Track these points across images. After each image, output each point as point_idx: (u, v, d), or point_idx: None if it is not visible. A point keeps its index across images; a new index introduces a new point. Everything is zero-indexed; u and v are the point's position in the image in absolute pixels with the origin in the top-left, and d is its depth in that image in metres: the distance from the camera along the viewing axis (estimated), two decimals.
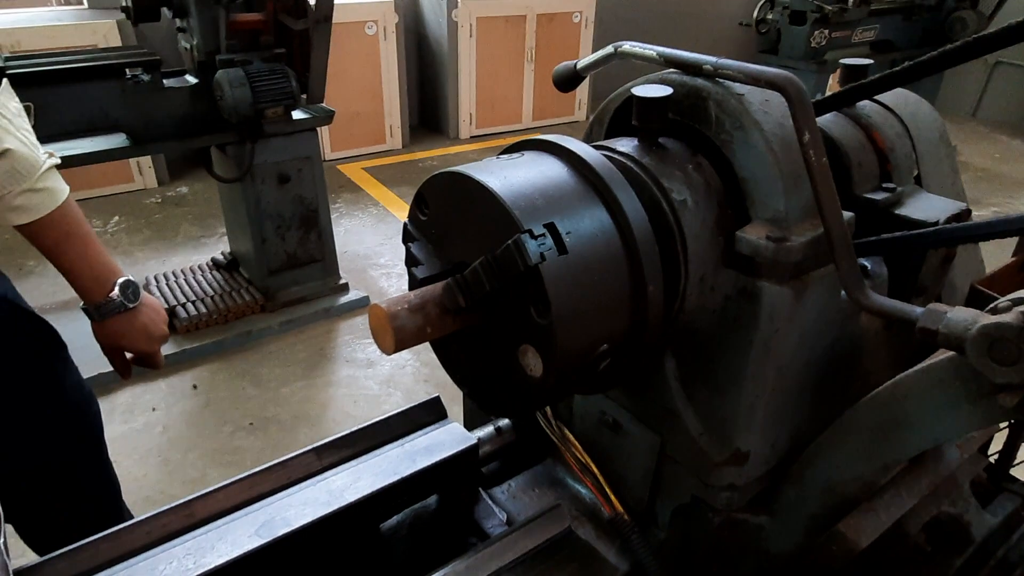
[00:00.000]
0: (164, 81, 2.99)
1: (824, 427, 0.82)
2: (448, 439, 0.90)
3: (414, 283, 0.70)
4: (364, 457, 0.86)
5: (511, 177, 0.63)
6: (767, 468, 0.84)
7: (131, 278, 1.29)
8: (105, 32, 4.35)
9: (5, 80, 1.12)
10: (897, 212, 0.85)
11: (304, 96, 3.17)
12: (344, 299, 3.61)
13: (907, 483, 0.91)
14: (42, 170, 1.11)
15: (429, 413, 0.93)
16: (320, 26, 2.97)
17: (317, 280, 3.59)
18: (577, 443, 0.97)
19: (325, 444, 0.86)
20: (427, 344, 2.79)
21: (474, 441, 0.89)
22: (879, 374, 0.92)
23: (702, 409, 0.80)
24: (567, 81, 0.92)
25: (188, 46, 3.06)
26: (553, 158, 0.68)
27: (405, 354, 3.29)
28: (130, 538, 0.74)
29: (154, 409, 2.91)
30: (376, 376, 3.15)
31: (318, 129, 3.35)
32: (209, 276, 3.62)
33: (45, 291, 3.61)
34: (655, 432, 0.86)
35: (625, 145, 0.74)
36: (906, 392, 0.69)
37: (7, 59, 2.71)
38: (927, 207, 0.85)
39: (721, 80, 0.72)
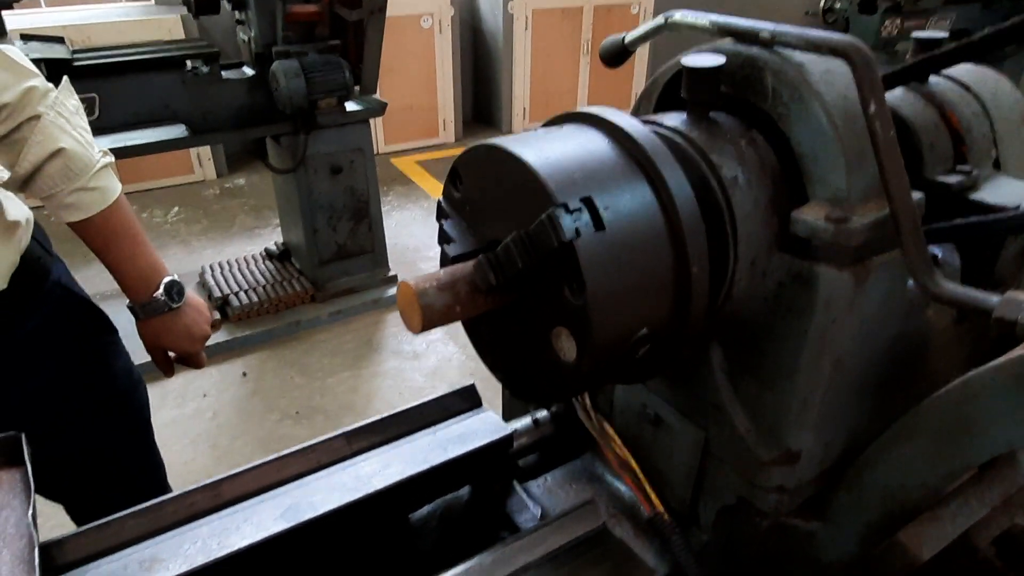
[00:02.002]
0: (222, 73, 3.05)
1: (884, 429, 0.76)
2: (482, 428, 0.87)
3: (445, 261, 0.67)
4: (395, 444, 0.84)
5: (548, 149, 0.59)
6: (820, 470, 0.78)
7: (176, 278, 1.30)
8: (170, 26, 4.47)
9: (65, 78, 1.14)
10: (972, 197, 0.78)
11: (357, 87, 3.19)
12: (392, 291, 3.62)
13: (976, 492, 0.83)
14: (95, 169, 1.12)
15: (464, 401, 0.90)
16: (374, 17, 2.98)
17: (366, 271, 3.62)
18: (617, 438, 0.92)
19: (355, 429, 0.84)
20: None
21: (508, 431, 0.86)
22: (947, 373, 0.85)
23: (750, 404, 0.75)
24: (615, 56, 0.88)
25: (246, 38, 3.11)
26: (595, 131, 0.64)
27: (451, 347, 3.28)
28: (156, 516, 0.73)
29: (205, 395, 2.97)
30: (422, 368, 3.15)
31: (371, 121, 3.37)
32: (262, 266, 3.68)
33: (107, 278, 3.73)
34: (699, 428, 0.81)
35: (673, 119, 0.69)
36: (977, 391, 0.63)
37: (75, 52, 2.79)
38: (1006, 191, 0.78)
39: (779, 49, 0.67)
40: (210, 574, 0.68)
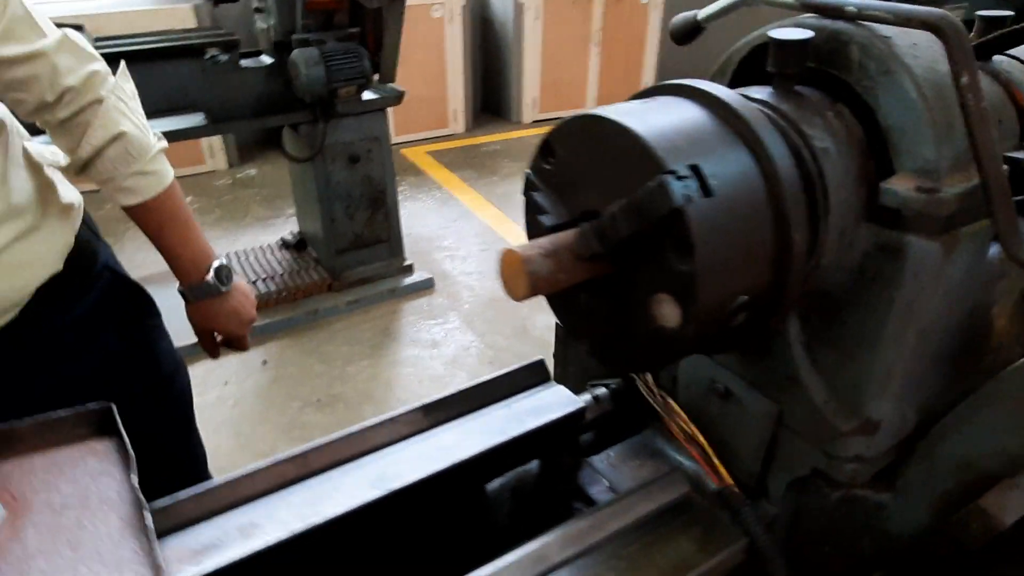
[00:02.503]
0: (240, 61, 3.05)
1: (953, 400, 0.77)
2: (554, 401, 0.88)
3: (539, 231, 0.68)
4: (471, 416, 0.85)
5: (651, 119, 0.60)
6: (895, 441, 0.79)
7: (225, 262, 1.31)
8: (182, 16, 4.46)
9: (123, 63, 1.15)
10: None
11: (376, 76, 3.19)
12: (409, 280, 3.63)
13: None
14: (152, 153, 1.13)
15: (533, 375, 0.92)
16: (394, 5, 2.98)
17: (383, 260, 3.63)
18: (682, 412, 0.94)
19: (433, 402, 0.85)
20: (492, 326, 2.87)
21: (581, 404, 0.87)
22: (1010, 349, 0.87)
23: (828, 375, 0.77)
24: (687, 34, 0.89)
25: (265, 26, 3.11)
26: (689, 102, 0.65)
27: (470, 335, 3.30)
28: (249, 483, 0.74)
29: (226, 383, 2.98)
30: (441, 357, 3.17)
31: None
32: (278, 255, 3.69)
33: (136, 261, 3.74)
34: (772, 400, 0.83)
35: (759, 92, 0.70)
36: None
37: (95, 40, 2.79)
38: None
39: (865, 23, 0.68)
40: (306, 540, 0.69)
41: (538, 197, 0.69)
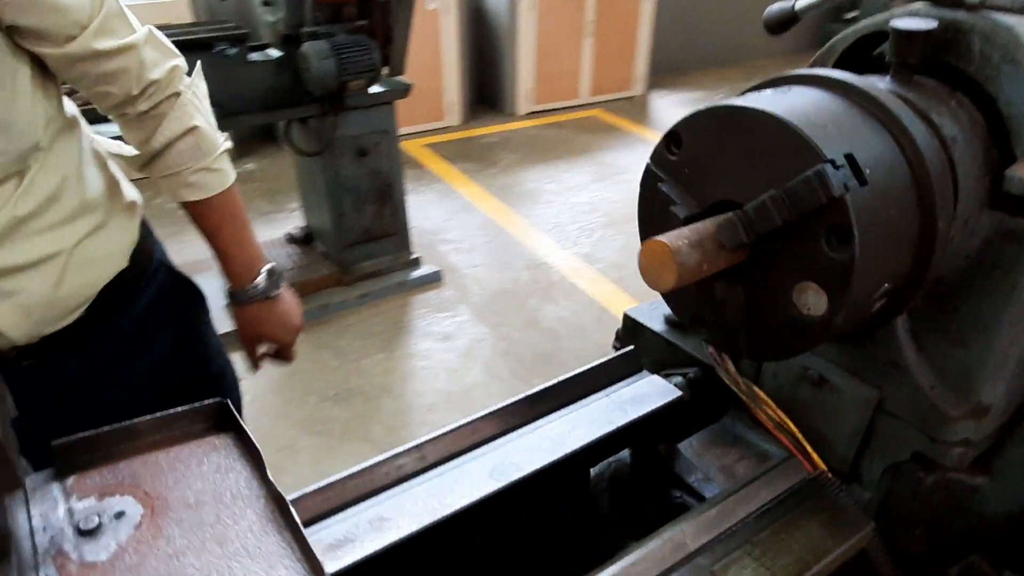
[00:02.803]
0: (248, 55, 3.01)
1: None
2: (652, 391, 0.89)
3: (667, 222, 0.69)
4: (573, 407, 0.85)
5: (795, 108, 0.61)
6: (998, 424, 0.81)
7: (276, 266, 1.30)
8: (179, 10, 4.40)
9: (199, 63, 1.14)
10: None
11: (386, 69, 3.17)
12: (417, 273, 3.62)
13: None
14: (219, 151, 1.13)
15: (627, 365, 0.92)
16: None
17: (390, 254, 3.61)
18: (770, 401, 0.95)
19: (536, 393, 0.86)
20: (502, 318, 2.88)
21: (679, 393, 0.88)
22: None
23: (936, 361, 0.78)
24: (782, 24, 0.89)
25: (273, 19, 3.07)
26: (823, 91, 0.65)
27: (481, 327, 3.30)
28: (371, 478, 0.74)
29: (242, 379, 2.96)
30: (454, 349, 3.16)
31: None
32: (286, 250, 3.66)
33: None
34: (871, 386, 0.84)
35: (880, 81, 0.71)
36: None
37: None
38: None
39: (986, 13, 0.69)
40: (436, 532, 0.70)
41: (665, 188, 0.70)
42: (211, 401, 0.76)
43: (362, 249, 3.52)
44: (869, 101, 0.63)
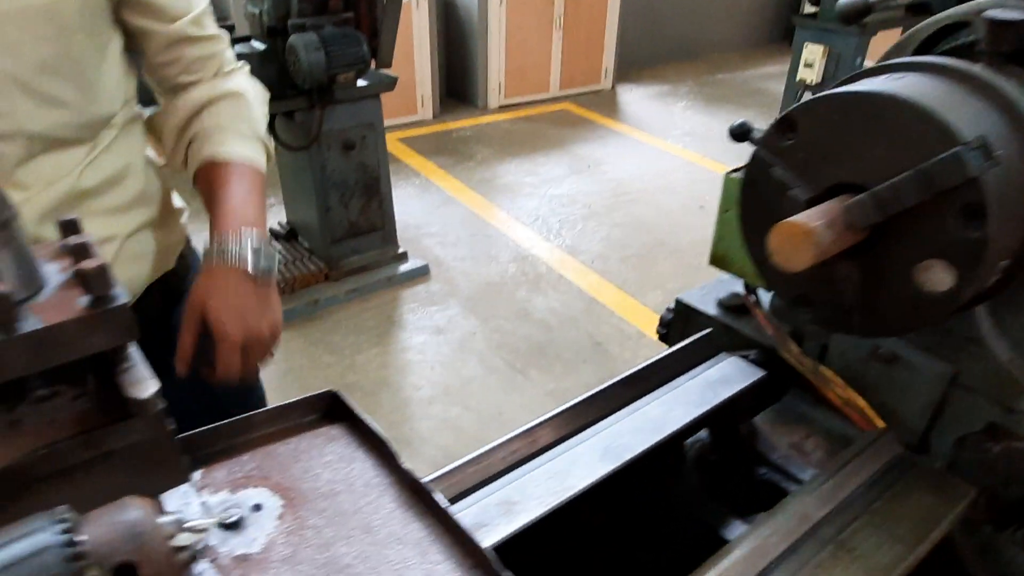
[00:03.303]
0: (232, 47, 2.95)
1: None
2: (735, 371, 0.91)
3: (789, 205, 0.71)
4: (664, 389, 0.87)
5: (925, 94, 0.63)
6: None
7: (272, 244, 1.17)
8: None
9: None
10: None
11: (374, 61, 3.14)
12: (404, 267, 3.60)
13: None
14: (261, 131, 1.09)
15: (706, 347, 0.94)
16: None
17: (377, 249, 3.58)
18: (838, 378, 0.98)
19: (627, 377, 0.87)
20: (493, 310, 2.92)
21: (763, 373, 0.91)
22: None
23: (1015, 333, 0.82)
24: (857, 13, 0.92)
25: (256, 11, 3.01)
26: (935, 77, 0.68)
27: (472, 320, 3.30)
28: (489, 463, 0.74)
29: None
30: (448, 342, 3.16)
31: None
32: None
33: None
34: (946, 362, 0.88)
35: (974, 68, 0.74)
36: None
37: None
38: None
39: None
40: (561, 514, 0.71)
41: (780, 172, 0.72)
42: (322, 391, 0.75)
43: (348, 244, 3.48)
44: (985, 86, 0.66)
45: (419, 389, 2.90)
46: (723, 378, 0.89)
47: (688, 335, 1.19)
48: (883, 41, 5.31)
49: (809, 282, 0.75)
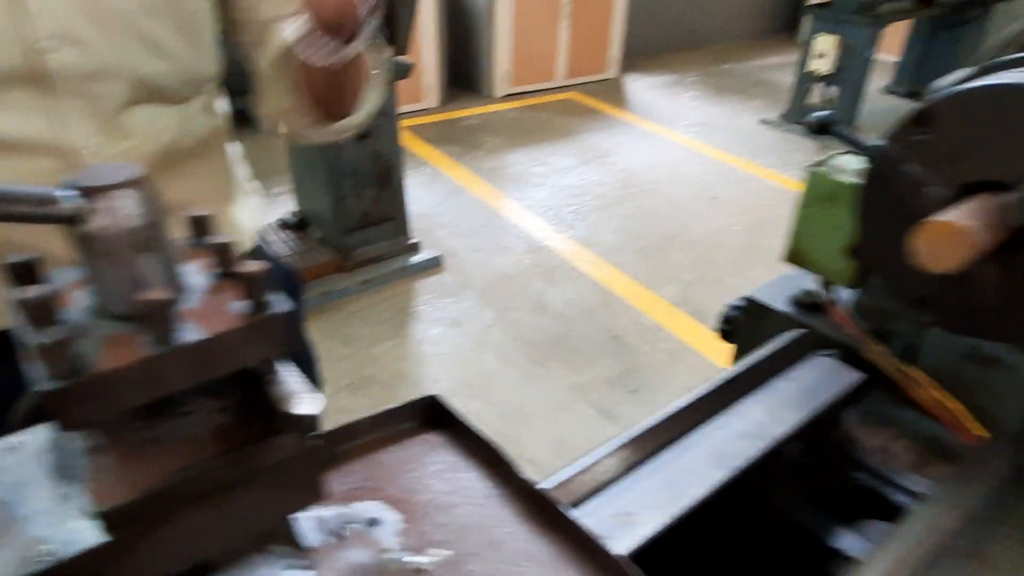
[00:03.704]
0: None
1: None
2: (831, 373, 0.87)
3: (924, 203, 0.67)
4: (762, 392, 0.84)
5: None
6: None
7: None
8: None
9: None
10: None
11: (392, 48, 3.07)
12: (417, 258, 3.55)
13: None
14: None
15: (800, 348, 0.91)
16: None
17: (389, 239, 3.53)
18: (929, 379, 0.95)
19: (724, 381, 0.83)
20: (509, 303, 2.87)
21: (861, 375, 0.87)
22: None
23: None
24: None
25: None
26: None
27: (488, 312, 3.26)
28: (598, 471, 0.71)
29: None
30: (465, 335, 3.12)
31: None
32: (280, 236, 3.54)
33: None
34: None
35: None
36: None
37: None
38: None
39: None
40: (683, 524, 0.67)
41: (913, 169, 0.68)
42: (422, 397, 0.71)
43: (361, 234, 3.43)
44: None
45: (438, 382, 2.86)
46: (820, 381, 0.86)
47: (758, 334, 1.15)
48: (894, 32, 5.26)
49: (936, 283, 0.72)
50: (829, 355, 1.00)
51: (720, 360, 3.01)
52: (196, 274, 0.44)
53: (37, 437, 0.48)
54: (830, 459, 0.89)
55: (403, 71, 3.25)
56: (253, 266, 0.40)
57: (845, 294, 1.07)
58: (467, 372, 2.91)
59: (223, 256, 0.43)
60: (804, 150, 5.04)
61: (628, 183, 4.53)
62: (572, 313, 3.29)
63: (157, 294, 0.36)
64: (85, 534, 0.41)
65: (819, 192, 1.02)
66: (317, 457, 0.47)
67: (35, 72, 0.75)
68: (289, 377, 0.43)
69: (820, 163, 1.04)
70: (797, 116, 5.18)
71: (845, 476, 0.88)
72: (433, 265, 3.58)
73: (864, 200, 0.75)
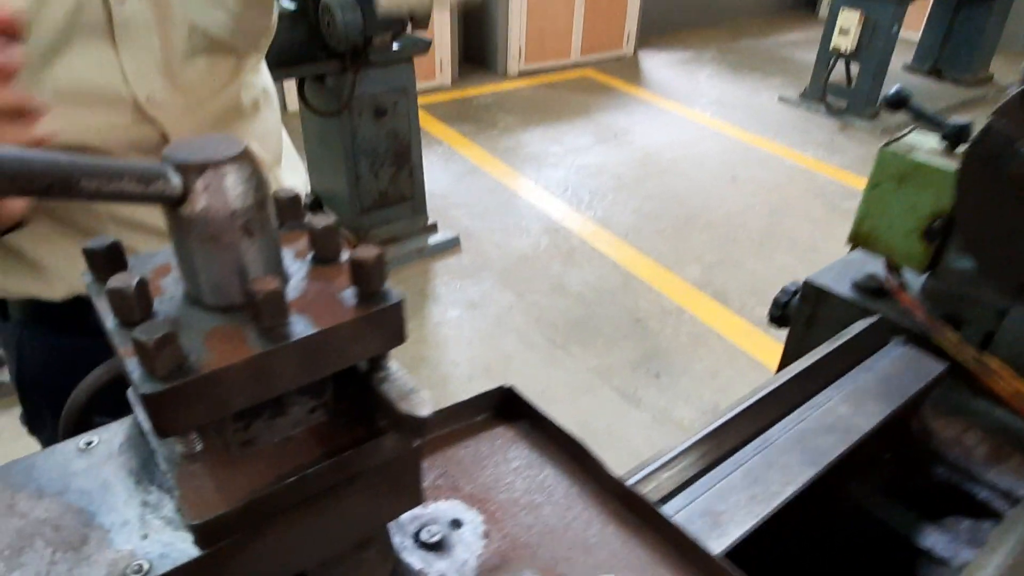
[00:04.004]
0: None
1: None
2: (911, 363, 0.83)
3: None
4: (841, 383, 0.80)
5: None
6: None
7: None
8: None
9: None
10: None
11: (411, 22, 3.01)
12: (435, 239, 3.51)
13: None
14: None
15: (876, 336, 0.86)
16: None
17: (406, 219, 3.49)
18: (1004, 368, 0.91)
19: (802, 372, 0.79)
20: (528, 284, 2.84)
21: (943, 366, 0.83)
22: None
23: None
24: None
25: None
26: None
27: (507, 294, 3.22)
28: (682, 466, 0.67)
29: None
30: (485, 317, 3.08)
31: None
32: None
33: None
34: None
35: None
36: None
37: None
38: None
39: None
40: (774, 523, 0.63)
41: None
42: (495, 388, 0.67)
43: (378, 214, 3.38)
44: None
45: (457, 366, 2.83)
46: (902, 371, 0.81)
47: (817, 319, 1.11)
48: (915, 9, 5.13)
49: None
50: (907, 344, 0.95)
51: (744, 343, 2.97)
52: (290, 258, 0.40)
53: (112, 436, 0.44)
54: (908, 452, 0.85)
55: (423, 47, 3.19)
56: (367, 251, 0.35)
57: (913, 279, 1.02)
58: (487, 355, 2.88)
59: (324, 240, 0.39)
60: (825, 129, 4.96)
61: (646, 163, 4.46)
62: (592, 295, 3.24)
63: (268, 283, 0.32)
64: (178, 547, 0.37)
65: (891, 171, 0.97)
66: (418, 459, 0.43)
67: (102, 22, 0.74)
68: (401, 373, 0.39)
69: (891, 142, 0.98)
70: (817, 94, 5.09)
71: (924, 470, 0.84)
72: (451, 246, 3.54)
73: (964, 179, 0.70)
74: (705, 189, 4.16)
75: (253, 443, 0.39)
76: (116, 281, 0.33)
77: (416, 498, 0.44)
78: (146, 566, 0.36)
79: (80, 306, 0.82)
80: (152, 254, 0.40)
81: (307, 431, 0.40)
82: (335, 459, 0.39)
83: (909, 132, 1.00)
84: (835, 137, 4.87)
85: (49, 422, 0.95)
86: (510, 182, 4.21)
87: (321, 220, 0.38)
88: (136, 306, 0.33)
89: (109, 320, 0.34)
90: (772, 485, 0.66)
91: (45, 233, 0.81)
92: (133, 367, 0.31)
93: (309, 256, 0.40)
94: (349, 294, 0.36)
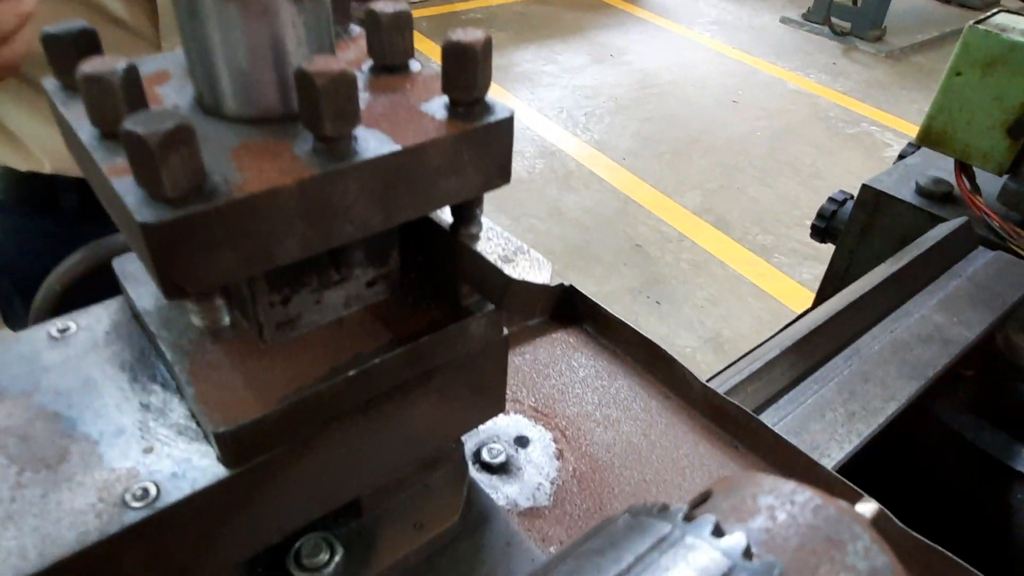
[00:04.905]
0: None
1: None
2: (1006, 270, 0.74)
3: None
4: (931, 290, 0.70)
5: None
6: None
7: None
8: None
9: None
10: None
11: None
12: None
13: None
14: None
15: (965, 241, 0.77)
16: None
17: None
18: None
19: (889, 277, 0.70)
20: (524, 208, 2.70)
21: None
22: None
23: None
24: None
25: None
26: None
27: (503, 219, 3.10)
28: (770, 376, 0.57)
29: None
30: None
31: None
32: None
33: None
34: None
35: None
36: None
37: None
38: None
39: None
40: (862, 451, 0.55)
41: None
42: (555, 284, 0.57)
43: None
44: None
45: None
46: (996, 278, 0.72)
47: (873, 228, 1.01)
48: None
49: None
50: (999, 250, 0.86)
51: (746, 271, 2.89)
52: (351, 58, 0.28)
53: (94, 322, 0.33)
54: (993, 369, 0.77)
55: None
56: (469, 35, 0.24)
57: (986, 184, 0.92)
58: None
59: (391, 36, 0.27)
60: (828, 51, 4.79)
61: (645, 84, 4.28)
62: (590, 221, 3.13)
63: (332, 64, 0.21)
64: (195, 464, 0.26)
65: (978, 55, 0.85)
66: (505, 352, 0.33)
67: None
68: (499, 230, 0.28)
69: (980, 20, 0.86)
70: (821, 14, 4.89)
71: (1010, 387, 0.76)
72: None
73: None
74: (706, 112, 4.01)
75: (294, 325, 0.28)
76: (93, 65, 0.21)
77: (500, 404, 0.34)
78: (153, 490, 0.26)
79: (55, 185, 0.70)
80: (142, 59, 0.28)
81: (364, 311, 0.29)
82: (408, 347, 0.28)
83: (995, 13, 0.88)
84: (839, 60, 4.70)
85: (21, 313, 0.82)
86: (503, 103, 4.01)
87: (388, 5, 0.26)
88: (125, 100, 0.21)
89: (84, 129, 0.22)
90: (872, 400, 0.57)
91: (15, 97, 0.68)
92: (126, 188, 0.20)
93: (366, 66, 0.28)
94: (437, 104, 0.25)
